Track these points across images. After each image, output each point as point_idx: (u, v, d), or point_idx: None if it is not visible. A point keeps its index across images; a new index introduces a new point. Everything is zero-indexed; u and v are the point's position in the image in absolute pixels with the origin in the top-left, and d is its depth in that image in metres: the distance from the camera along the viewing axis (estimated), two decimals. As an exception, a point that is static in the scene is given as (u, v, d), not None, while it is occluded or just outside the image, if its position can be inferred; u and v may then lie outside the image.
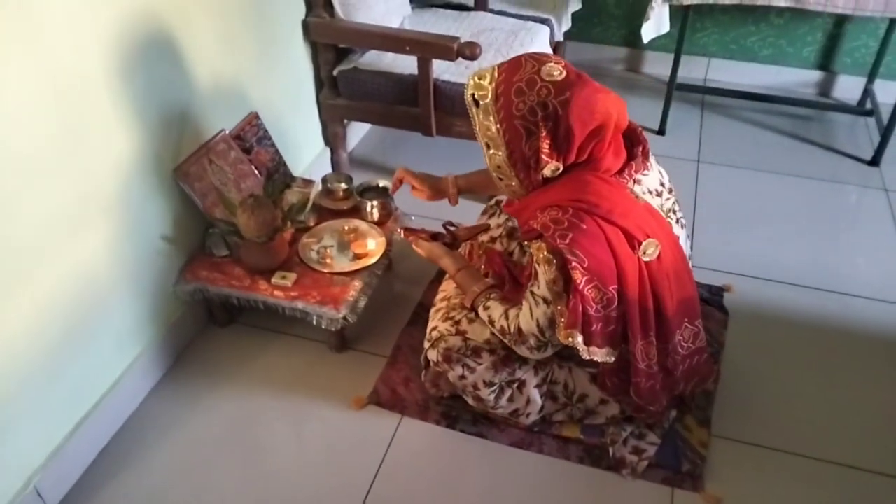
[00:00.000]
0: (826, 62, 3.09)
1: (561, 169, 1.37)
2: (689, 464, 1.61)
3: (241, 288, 1.79)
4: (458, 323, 1.61)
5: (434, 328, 1.64)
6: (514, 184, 1.42)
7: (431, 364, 1.64)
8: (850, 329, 2.00)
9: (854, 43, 2.99)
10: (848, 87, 3.08)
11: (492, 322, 1.53)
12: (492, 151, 1.39)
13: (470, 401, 1.65)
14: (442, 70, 2.26)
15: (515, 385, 1.59)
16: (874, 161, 2.69)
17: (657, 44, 2.93)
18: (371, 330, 1.95)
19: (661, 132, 2.85)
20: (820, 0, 2.37)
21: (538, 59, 1.33)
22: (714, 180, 2.61)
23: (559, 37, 2.79)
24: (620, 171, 1.41)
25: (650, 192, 1.46)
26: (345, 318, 1.75)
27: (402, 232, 1.76)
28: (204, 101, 1.83)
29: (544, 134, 1.31)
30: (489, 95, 1.34)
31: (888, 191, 2.57)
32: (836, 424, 1.73)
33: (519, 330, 1.46)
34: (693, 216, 2.39)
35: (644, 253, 1.38)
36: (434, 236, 1.76)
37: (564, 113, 1.29)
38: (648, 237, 1.38)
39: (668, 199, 1.53)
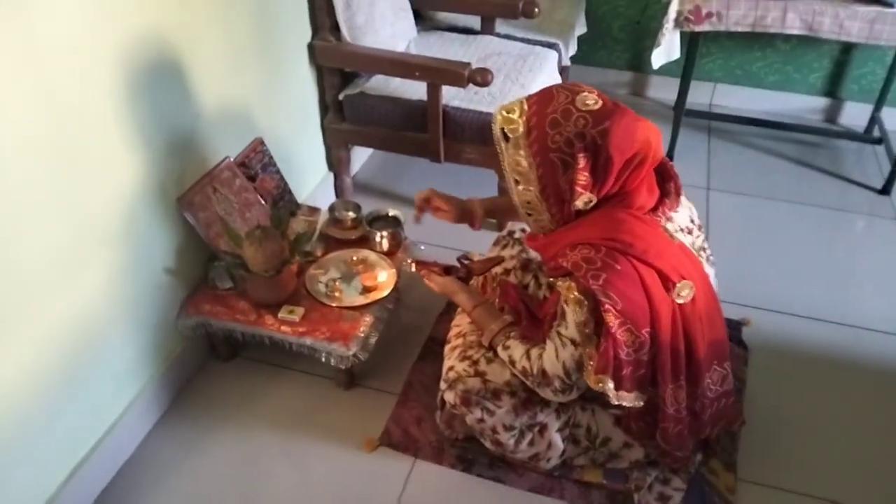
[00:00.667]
0: (833, 89, 3.06)
1: (594, 201, 1.31)
2: (718, 511, 1.55)
3: (247, 322, 1.71)
4: (476, 363, 1.54)
5: (451, 368, 1.56)
6: (543, 218, 1.37)
7: (448, 406, 1.57)
8: (869, 364, 1.94)
9: (861, 70, 2.97)
10: (854, 114, 3.05)
11: (513, 362, 1.46)
12: (521, 187, 1.33)
13: (488, 444, 1.57)
14: (451, 96, 2.20)
15: (536, 429, 1.52)
16: (885, 190, 2.65)
17: (662, 68, 2.88)
18: (380, 364, 1.87)
19: (668, 158, 2.80)
20: (833, 28, 2.34)
21: (570, 90, 1.28)
22: (725, 209, 2.56)
23: (566, 61, 2.74)
24: (654, 209, 1.35)
25: (681, 230, 1.41)
26: (355, 355, 1.67)
27: (414, 265, 1.69)
28: (208, 127, 1.76)
29: (582, 165, 1.26)
30: (520, 129, 1.28)
31: (901, 220, 2.54)
32: (862, 466, 1.67)
33: (543, 371, 1.39)
34: (706, 246, 2.34)
35: (678, 295, 1.32)
36: (447, 270, 1.69)
37: (604, 143, 1.23)
38: (683, 279, 1.32)
39: (698, 236, 1.48)
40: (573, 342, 1.34)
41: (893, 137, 2.76)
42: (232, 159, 1.83)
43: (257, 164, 1.93)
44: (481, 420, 1.51)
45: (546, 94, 1.29)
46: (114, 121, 1.44)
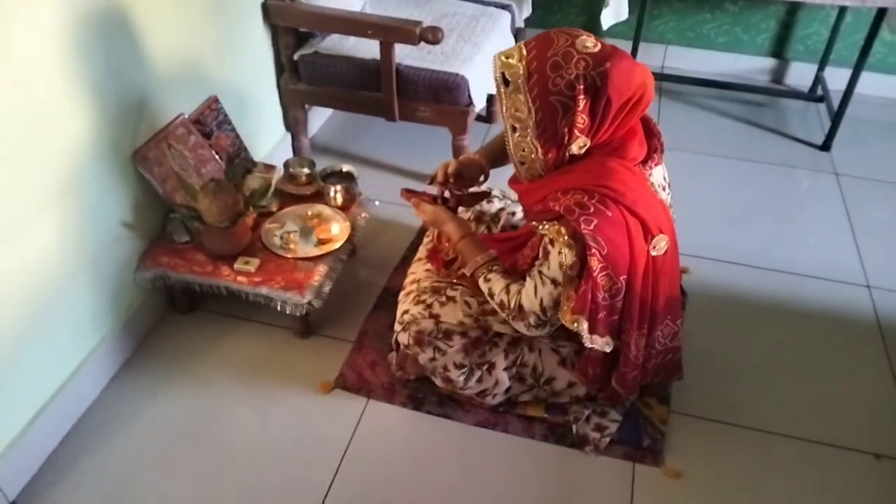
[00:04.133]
0: (779, 49, 3.16)
1: (589, 145, 1.35)
2: (650, 439, 1.65)
3: (204, 274, 1.77)
4: (430, 306, 1.61)
5: (406, 311, 1.63)
6: (536, 166, 1.40)
7: (402, 346, 1.64)
8: (802, 308, 2.06)
9: (806, 30, 3.08)
10: (800, 74, 3.17)
11: (491, 295, 1.52)
12: (518, 135, 1.37)
13: (439, 382, 1.66)
14: (404, 55, 2.25)
15: (485, 367, 1.61)
16: (825, 146, 2.77)
17: (616, 31, 2.97)
18: (336, 315, 1.95)
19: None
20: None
21: (569, 33, 1.31)
22: (672, 166, 2.62)
23: (520, 23, 2.80)
24: (644, 162, 1.42)
25: (659, 186, 1.47)
26: (310, 303, 1.74)
27: (402, 193, 1.68)
28: (162, 85, 1.80)
29: (581, 107, 1.29)
30: (521, 72, 1.31)
31: (838, 175, 2.65)
32: (788, 399, 1.79)
33: (520, 306, 1.45)
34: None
35: (654, 247, 1.39)
36: (436, 200, 1.67)
37: (603, 84, 1.27)
38: (661, 232, 1.39)
39: (668, 194, 1.55)
40: (553, 281, 1.39)
41: (835, 96, 2.86)
42: (186, 116, 1.87)
43: (212, 122, 1.97)
44: (433, 359, 1.59)
45: (545, 38, 1.32)
46: (65, 74, 1.47)
